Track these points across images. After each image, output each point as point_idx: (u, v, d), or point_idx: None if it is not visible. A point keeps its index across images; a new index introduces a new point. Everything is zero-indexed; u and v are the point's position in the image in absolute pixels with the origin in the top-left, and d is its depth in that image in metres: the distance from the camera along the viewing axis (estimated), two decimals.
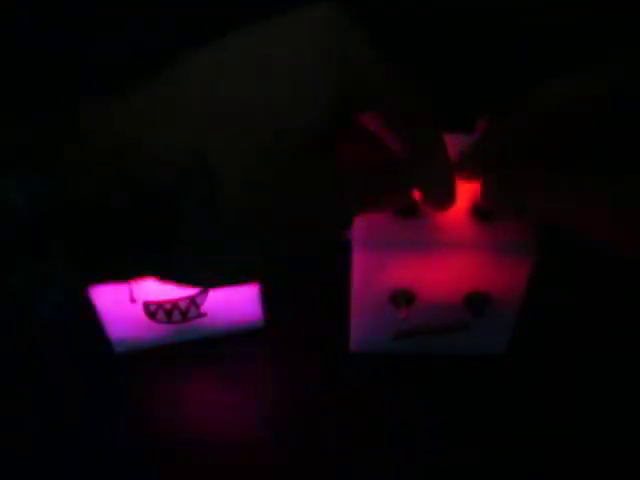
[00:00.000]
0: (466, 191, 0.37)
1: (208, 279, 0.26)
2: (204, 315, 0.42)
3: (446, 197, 0.32)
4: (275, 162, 0.23)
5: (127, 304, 0.40)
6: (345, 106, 0.25)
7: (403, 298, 0.38)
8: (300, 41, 0.24)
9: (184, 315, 0.42)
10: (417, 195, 0.32)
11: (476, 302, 0.38)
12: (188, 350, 0.43)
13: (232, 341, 0.44)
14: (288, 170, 0.23)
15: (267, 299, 0.43)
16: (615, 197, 0.27)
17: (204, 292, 0.41)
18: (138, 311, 0.41)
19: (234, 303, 0.42)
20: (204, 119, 0.22)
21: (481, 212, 0.36)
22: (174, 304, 0.41)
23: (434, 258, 0.36)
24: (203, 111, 0.22)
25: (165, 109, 0.22)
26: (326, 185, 0.25)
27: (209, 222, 0.23)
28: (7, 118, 0.21)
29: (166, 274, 0.25)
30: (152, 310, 0.41)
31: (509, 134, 0.31)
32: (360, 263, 0.36)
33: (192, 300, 0.41)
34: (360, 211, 0.30)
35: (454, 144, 0.39)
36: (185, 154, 0.22)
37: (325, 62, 0.24)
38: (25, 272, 0.21)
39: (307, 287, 0.46)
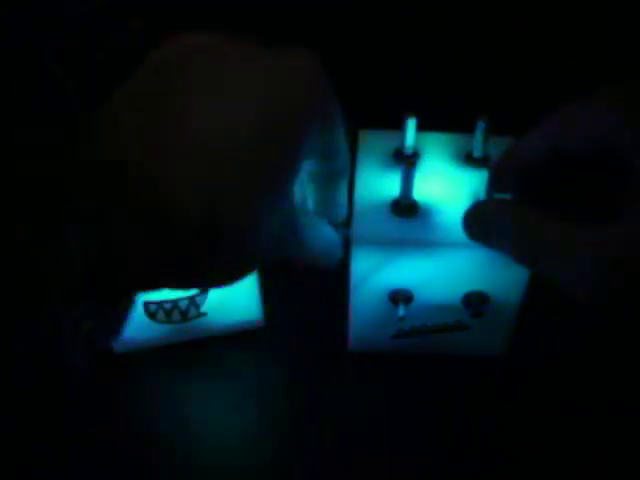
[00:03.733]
0: (465, 191, 0.37)
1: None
2: (204, 315, 0.42)
3: None
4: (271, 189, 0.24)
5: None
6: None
7: (402, 297, 0.38)
8: (289, 89, 0.25)
9: (184, 315, 0.42)
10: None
11: (474, 302, 0.38)
12: (188, 350, 0.44)
13: (232, 341, 0.44)
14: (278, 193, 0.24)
15: (267, 299, 0.43)
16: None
17: (204, 292, 0.41)
18: (138, 311, 0.41)
19: (234, 303, 0.42)
20: (216, 164, 0.22)
21: None
22: (174, 304, 0.41)
23: (433, 258, 0.36)
24: (214, 157, 0.23)
25: (181, 152, 0.22)
26: None
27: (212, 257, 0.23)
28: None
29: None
30: (152, 310, 0.41)
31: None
32: (359, 262, 0.36)
33: (192, 300, 0.41)
34: None
35: (454, 144, 0.39)
36: (199, 202, 0.22)
37: (308, 111, 0.25)
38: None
39: (307, 287, 0.46)
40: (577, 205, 0.30)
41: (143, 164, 0.22)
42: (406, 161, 0.37)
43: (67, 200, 0.21)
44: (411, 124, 0.37)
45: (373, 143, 0.40)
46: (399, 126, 0.37)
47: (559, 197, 0.30)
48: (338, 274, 0.39)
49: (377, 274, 0.37)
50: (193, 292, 0.41)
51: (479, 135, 0.37)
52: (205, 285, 0.30)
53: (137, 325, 0.42)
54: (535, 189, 0.31)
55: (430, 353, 0.43)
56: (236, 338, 0.44)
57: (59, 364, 0.23)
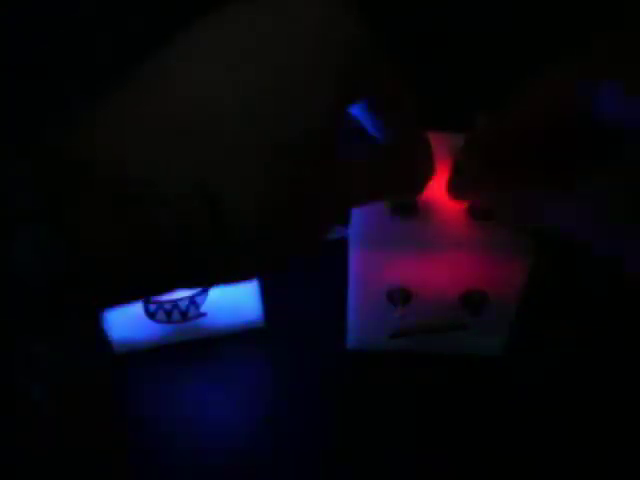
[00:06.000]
0: None
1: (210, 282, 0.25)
2: (204, 315, 0.42)
3: (428, 172, 0.31)
4: (279, 169, 0.21)
5: (127, 304, 0.40)
6: (347, 99, 0.24)
7: (399, 297, 0.38)
8: (298, 33, 0.22)
9: (184, 315, 0.42)
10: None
11: (473, 302, 0.38)
12: (188, 350, 0.44)
13: (232, 341, 0.44)
14: (292, 175, 0.22)
15: (267, 299, 0.43)
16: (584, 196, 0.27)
17: (204, 292, 0.41)
18: (138, 311, 0.41)
19: (234, 303, 0.42)
20: (199, 138, 0.20)
21: (478, 212, 0.36)
22: (174, 304, 0.41)
23: (431, 257, 0.36)
24: (196, 128, 0.20)
25: (155, 129, 0.20)
26: (328, 184, 0.24)
27: (213, 244, 0.21)
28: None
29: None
30: (152, 310, 0.41)
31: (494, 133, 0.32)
32: (357, 262, 0.36)
33: (192, 300, 0.41)
34: (360, 202, 0.29)
35: (454, 144, 0.39)
36: (185, 186, 0.20)
37: (326, 54, 0.22)
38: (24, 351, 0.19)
39: (307, 287, 0.46)
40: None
41: (107, 149, 0.19)
42: None
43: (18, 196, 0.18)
44: None
45: None
46: None
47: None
48: (338, 274, 0.39)
49: (375, 273, 0.37)
50: (193, 291, 0.41)
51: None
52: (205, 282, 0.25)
53: (137, 325, 0.42)
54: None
55: (429, 353, 0.43)
56: (236, 338, 0.44)
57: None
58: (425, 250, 0.35)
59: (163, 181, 0.20)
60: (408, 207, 0.36)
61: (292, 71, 0.21)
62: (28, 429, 0.20)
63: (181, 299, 0.41)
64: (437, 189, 0.37)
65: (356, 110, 0.27)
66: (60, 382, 0.20)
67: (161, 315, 0.41)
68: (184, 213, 0.20)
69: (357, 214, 0.36)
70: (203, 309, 0.42)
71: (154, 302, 0.41)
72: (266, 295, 0.43)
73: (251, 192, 0.21)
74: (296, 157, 0.21)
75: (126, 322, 0.41)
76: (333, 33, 0.22)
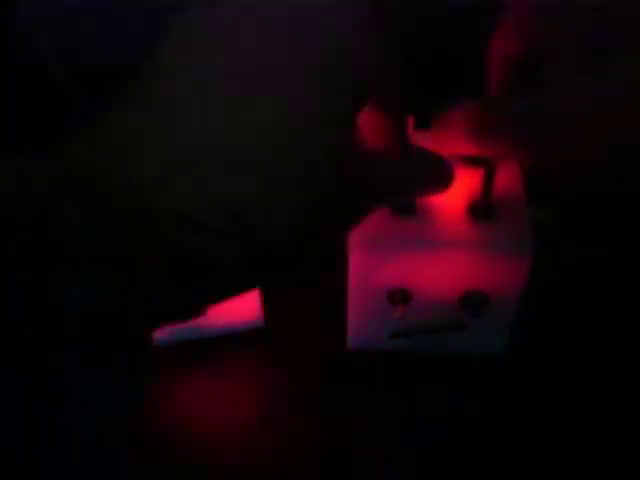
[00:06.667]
0: (463, 190, 0.37)
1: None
2: (204, 315, 0.42)
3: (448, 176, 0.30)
4: (299, 186, 0.21)
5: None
6: (359, 109, 0.23)
7: (399, 297, 0.38)
8: (310, 42, 0.21)
9: None
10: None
11: (473, 302, 0.38)
12: (188, 350, 0.44)
13: (232, 341, 0.44)
14: (315, 190, 0.21)
15: (267, 299, 0.43)
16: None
17: None
18: None
19: (234, 303, 0.42)
20: (206, 155, 0.19)
21: (478, 212, 0.36)
22: None
23: (431, 257, 0.36)
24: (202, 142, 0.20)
25: (156, 140, 0.20)
26: (345, 193, 0.24)
27: (243, 269, 0.21)
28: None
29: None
30: None
31: None
32: (356, 262, 0.36)
33: None
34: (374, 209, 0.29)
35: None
36: (217, 214, 0.20)
37: (340, 65, 0.21)
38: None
39: (307, 287, 0.46)
40: None
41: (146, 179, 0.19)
42: None
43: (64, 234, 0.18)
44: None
45: None
46: None
47: None
48: (338, 274, 0.39)
49: (375, 273, 0.37)
50: None
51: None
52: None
53: None
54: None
55: (429, 352, 0.43)
56: (236, 338, 0.44)
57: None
58: (425, 250, 0.35)
59: (173, 196, 0.19)
60: (408, 207, 0.36)
61: (307, 86, 0.21)
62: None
63: None
64: None
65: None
66: (108, 414, 0.19)
67: None
68: (207, 229, 0.20)
69: None
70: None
71: None
72: (266, 295, 0.43)
73: (260, 207, 0.20)
74: (316, 173, 0.21)
75: None
76: (345, 45, 0.22)
